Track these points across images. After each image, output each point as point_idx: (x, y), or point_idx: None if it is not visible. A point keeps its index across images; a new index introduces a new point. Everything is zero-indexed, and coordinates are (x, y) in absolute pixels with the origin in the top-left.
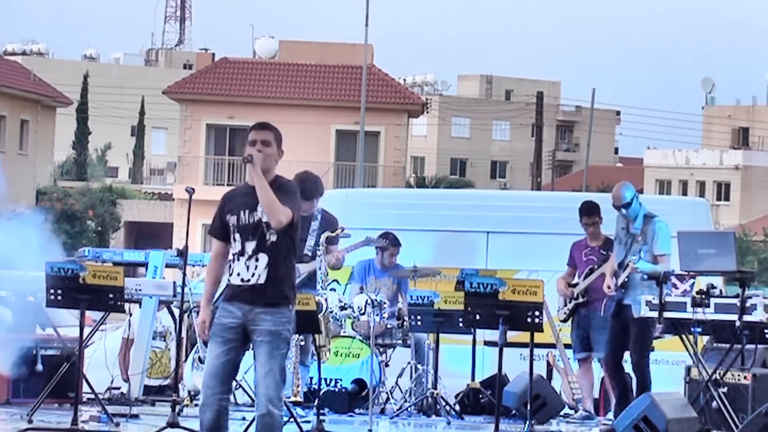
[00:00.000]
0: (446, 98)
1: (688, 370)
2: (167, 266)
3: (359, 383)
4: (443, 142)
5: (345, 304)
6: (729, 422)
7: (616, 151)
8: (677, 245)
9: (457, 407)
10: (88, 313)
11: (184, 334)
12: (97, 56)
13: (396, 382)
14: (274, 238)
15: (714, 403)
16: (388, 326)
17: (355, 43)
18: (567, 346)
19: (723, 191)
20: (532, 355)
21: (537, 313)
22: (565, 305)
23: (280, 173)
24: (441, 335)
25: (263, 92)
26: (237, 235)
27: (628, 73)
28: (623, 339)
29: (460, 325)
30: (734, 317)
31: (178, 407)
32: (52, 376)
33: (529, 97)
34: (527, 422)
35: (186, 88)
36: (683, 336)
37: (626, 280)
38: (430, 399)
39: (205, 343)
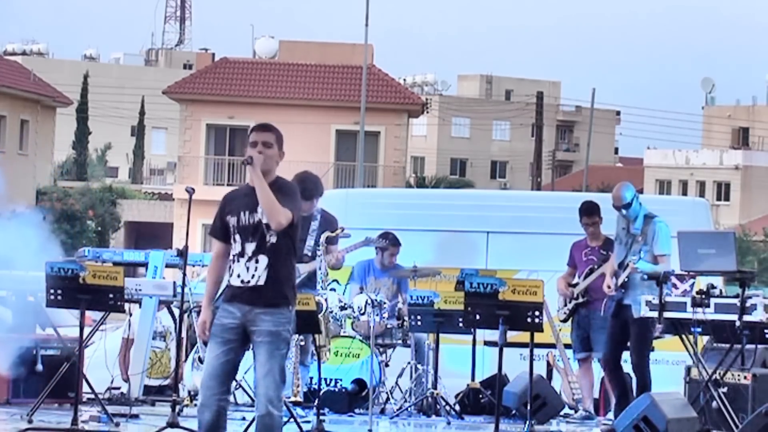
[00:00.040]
0: (446, 98)
1: (688, 370)
2: (167, 266)
3: (359, 383)
4: (443, 142)
5: (345, 304)
6: (729, 422)
7: (616, 151)
8: (677, 245)
9: (457, 407)
10: (88, 313)
11: (184, 334)
12: (97, 56)
13: (396, 382)
14: (274, 239)
15: (714, 403)
16: (388, 326)
17: (355, 43)
18: (567, 346)
19: (723, 191)
20: (532, 355)
21: (537, 313)
22: (565, 305)
23: (280, 174)
24: (441, 335)
25: (263, 92)
26: (237, 236)
27: (628, 73)
28: (622, 339)
29: (460, 325)
30: (734, 317)
31: (178, 407)
32: (52, 376)
33: (529, 97)
34: (527, 422)
35: (186, 88)
36: (683, 336)
37: (626, 280)
38: (430, 399)
39: (205, 344)
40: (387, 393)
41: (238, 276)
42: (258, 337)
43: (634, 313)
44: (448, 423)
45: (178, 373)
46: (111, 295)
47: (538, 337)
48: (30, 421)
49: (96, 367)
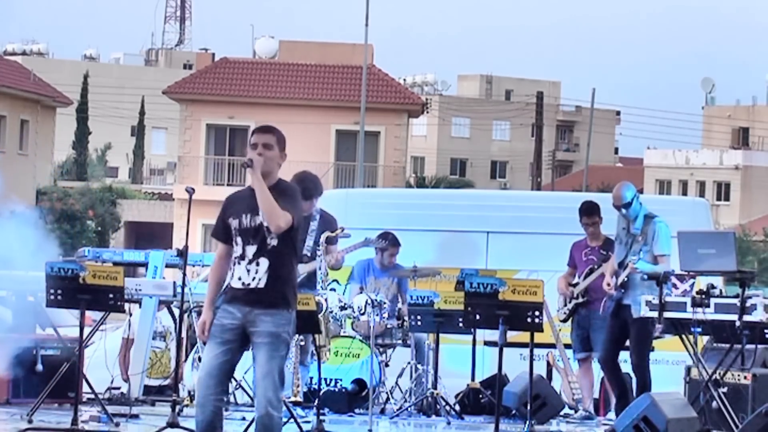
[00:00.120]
0: (446, 98)
1: (688, 370)
2: (167, 266)
3: (359, 383)
4: (443, 142)
5: (345, 304)
6: (729, 422)
7: (616, 151)
8: (677, 245)
9: (457, 407)
10: (88, 313)
11: (184, 334)
12: (97, 56)
13: (396, 382)
14: (275, 242)
15: (714, 403)
16: (388, 326)
17: (355, 43)
18: (567, 346)
19: (723, 191)
20: (532, 355)
21: (537, 313)
22: (565, 305)
23: (281, 174)
24: (441, 335)
25: (263, 92)
26: (238, 239)
27: (628, 73)
28: (621, 339)
29: (460, 325)
30: (734, 317)
31: (178, 407)
32: (52, 376)
33: (529, 97)
34: (527, 422)
35: (186, 88)
36: (683, 336)
37: (626, 279)
38: (430, 399)
39: (205, 344)
40: (387, 393)
41: (239, 278)
42: (258, 338)
43: (633, 313)
44: (448, 423)
45: (178, 373)
46: (111, 295)
47: (538, 337)
48: (30, 421)
49: (96, 367)
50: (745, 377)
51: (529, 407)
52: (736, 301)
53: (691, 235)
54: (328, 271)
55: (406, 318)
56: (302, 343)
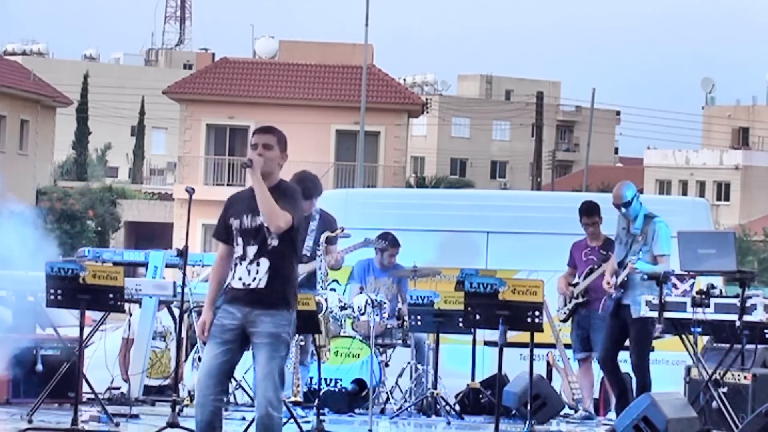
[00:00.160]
0: (446, 98)
1: (688, 370)
2: (167, 266)
3: (359, 383)
4: (443, 142)
5: (345, 304)
6: (729, 422)
7: (616, 151)
8: (677, 245)
9: (457, 407)
10: (88, 313)
11: (184, 334)
12: (97, 56)
13: (396, 382)
14: (275, 242)
15: (714, 403)
16: (388, 326)
17: (355, 43)
18: (567, 346)
19: (723, 191)
20: (532, 355)
21: (537, 313)
22: (565, 305)
23: (281, 174)
24: (441, 335)
25: (263, 92)
26: (239, 239)
27: (628, 73)
28: (620, 338)
29: (460, 325)
30: (734, 317)
31: (178, 407)
32: (52, 376)
33: (529, 97)
34: (527, 422)
35: (186, 88)
36: (683, 336)
37: (625, 279)
38: (430, 399)
39: (205, 344)
40: (387, 393)
41: (240, 279)
42: (258, 338)
43: (633, 313)
44: (448, 423)
45: (178, 373)
46: (111, 295)
47: (538, 337)
48: (30, 421)
49: (96, 367)
50: (745, 377)
51: (529, 407)
52: (736, 301)
53: (691, 235)
54: (328, 271)
55: (406, 318)
56: (302, 343)
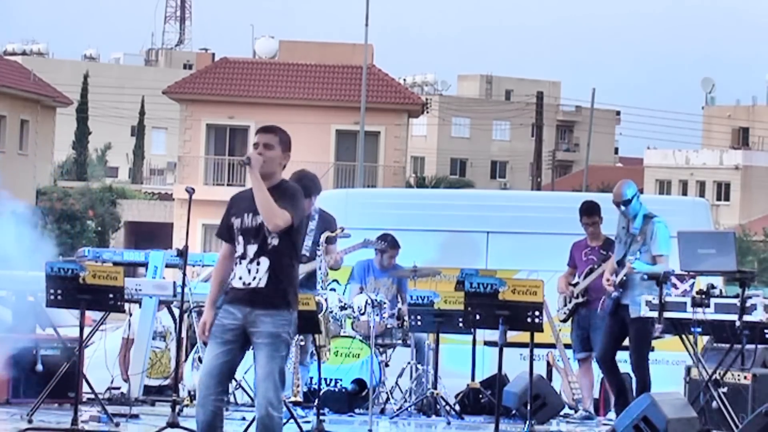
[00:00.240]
0: (446, 98)
1: (688, 370)
2: (167, 266)
3: (359, 383)
4: (443, 142)
5: (345, 304)
6: (729, 422)
7: (616, 151)
8: (677, 245)
9: (457, 407)
10: (88, 313)
11: (184, 334)
12: (97, 56)
13: (396, 382)
14: (275, 241)
15: (714, 403)
16: (388, 326)
17: (355, 43)
18: (567, 346)
19: (723, 191)
20: (532, 355)
21: (537, 313)
22: (565, 305)
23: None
24: (441, 335)
25: (263, 92)
26: (240, 238)
27: (628, 73)
28: (619, 338)
29: (460, 325)
30: (734, 317)
31: (178, 407)
32: (52, 376)
33: (529, 97)
34: (527, 422)
35: (186, 88)
36: (683, 336)
37: (624, 279)
38: (430, 399)
39: (206, 344)
40: (387, 393)
41: (240, 278)
42: (258, 338)
43: (631, 313)
44: (448, 423)
45: (178, 373)
46: (111, 295)
47: (538, 337)
48: (30, 421)
49: (96, 367)
50: (745, 377)
51: (529, 407)
52: (736, 301)
53: (691, 235)
54: (328, 271)
55: (406, 318)
56: (302, 343)
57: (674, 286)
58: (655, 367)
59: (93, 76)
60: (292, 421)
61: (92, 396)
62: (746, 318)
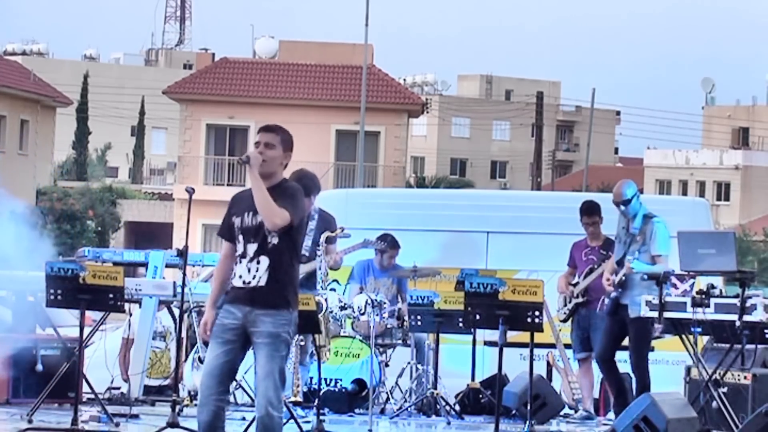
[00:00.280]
0: (446, 98)
1: (688, 370)
2: (167, 266)
3: (359, 383)
4: (443, 142)
5: (345, 304)
6: (729, 422)
7: (616, 151)
8: (677, 245)
9: (457, 407)
10: (88, 313)
11: (184, 334)
12: (97, 56)
13: (396, 382)
14: (275, 240)
15: (714, 403)
16: (388, 326)
17: (355, 43)
18: (567, 346)
19: (723, 191)
20: (532, 355)
21: (537, 313)
22: (565, 305)
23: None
24: (441, 335)
25: (263, 92)
26: (240, 237)
27: (628, 73)
28: (619, 337)
29: (460, 325)
30: (734, 317)
31: (178, 407)
32: (52, 376)
33: (529, 97)
34: (527, 422)
35: (186, 88)
36: (683, 336)
37: (624, 279)
38: (430, 399)
39: (206, 344)
40: (387, 393)
41: (240, 277)
42: (258, 338)
43: (631, 313)
44: (448, 423)
45: (178, 373)
46: (111, 295)
47: (538, 337)
48: (30, 421)
49: (96, 367)
50: (745, 377)
51: (529, 407)
52: (736, 301)
53: (691, 235)
54: (328, 271)
55: (406, 318)
56: (302, 343)
57: (674, 286)
58: (655, 367)
59: (93, 76)
60: (292, 421)
61: (92, 396)
62: (746, 318)
